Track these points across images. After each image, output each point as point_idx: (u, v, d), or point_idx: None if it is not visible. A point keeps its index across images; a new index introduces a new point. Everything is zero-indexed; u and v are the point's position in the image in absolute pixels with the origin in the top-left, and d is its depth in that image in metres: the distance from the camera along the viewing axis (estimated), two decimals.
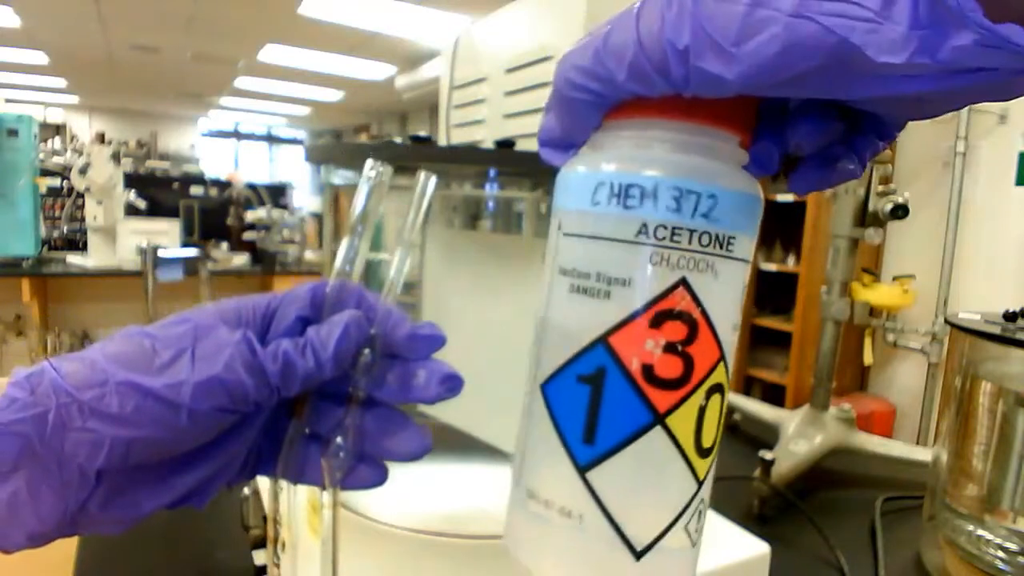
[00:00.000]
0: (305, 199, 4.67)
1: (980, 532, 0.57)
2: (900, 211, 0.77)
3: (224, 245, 3.33)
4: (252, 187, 3.56)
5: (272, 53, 4.83)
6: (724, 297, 0.22)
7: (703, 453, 0.23)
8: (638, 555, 0.22)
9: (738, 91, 0.19)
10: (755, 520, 0.69)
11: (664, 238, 0.21)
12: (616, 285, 0.21)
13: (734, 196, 0.22)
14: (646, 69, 0.19)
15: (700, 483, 0.23)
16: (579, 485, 0.22)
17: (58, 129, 6.64)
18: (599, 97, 0.21)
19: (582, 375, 0.22)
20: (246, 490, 0.53)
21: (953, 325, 0.58)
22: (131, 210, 2.92)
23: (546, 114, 0.24)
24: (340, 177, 0.60)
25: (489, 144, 0.74)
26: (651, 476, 0.22)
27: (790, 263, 2.74)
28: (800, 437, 0.78)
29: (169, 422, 0.23)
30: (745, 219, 0.22)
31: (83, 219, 2.92)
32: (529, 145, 0.61)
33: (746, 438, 0.95)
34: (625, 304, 0.21)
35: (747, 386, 2.89)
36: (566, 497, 0.22)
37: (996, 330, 0.53)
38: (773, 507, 0.69)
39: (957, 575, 0.57)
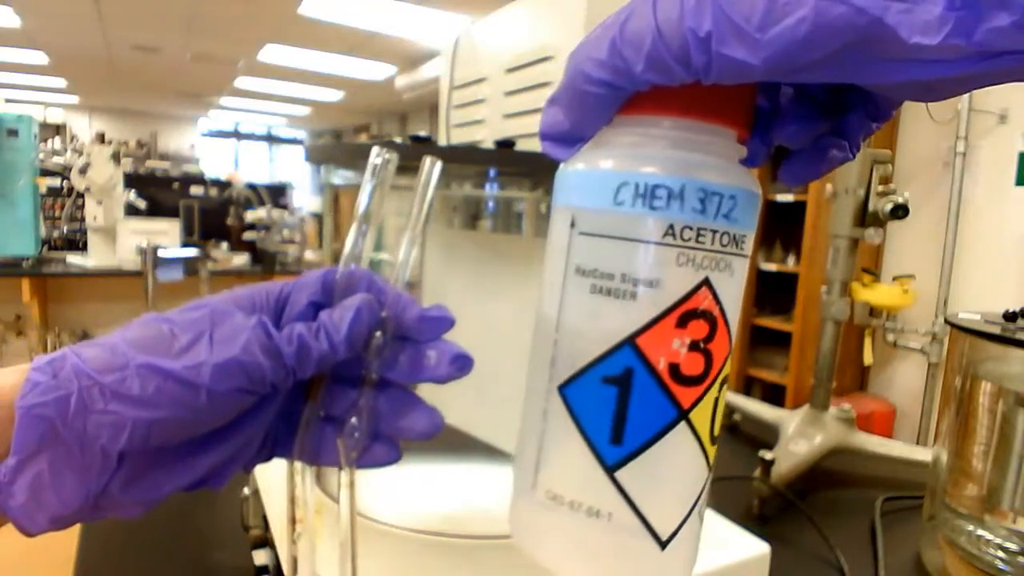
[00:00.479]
0: (305, 199, 4.67)
1: (980, 532, 0.57)
2: (900, 211, 0.77)
3: (224, 245, 3.33)
4: (252, 187, 3.56)
5: (272, 53, 4.83)
6: (735, 293, 0.23)
7: (713, 441, 0.23)
8: (663, 544, 0.23)
9: (762, 77, 0.18)
10: (755, 520, 0.69)
11: (690, 239, 0.21)
12: (642, 286, 0.21)
13: (748, 195, 0.22)
14: (665, 58, 0.19)
15: (710, 470, 0.24)
16: (607, 485, 0.22)
17: (58, 129, 6.63)
18: (615, 90, 0.21)
19: (608, 376, 0.22)
20: (246, 490, 0.53)
21: (953, 325, 0.58)
22: (131, 210, 2.92)
23: (550, 107, 0.23)
24: (340, 177, 0.60)
25: (489, 144, 0.74)
26: (675, 470, 0.23)
27: (790, 263, 2.74)
28: (800, 437, 0.78)
29: (189, 403, 0.24)
30: (753, 217, 0.23)
31: (83, 219, 2.92)
32: (529, 145, 0.61)
33: (746, 438, 0.95)
34: (652, 305, 0.21)
35: (747, 386, 2.89)
36: (593, 498, 0.22)
37: (996, 330, 0.53)
38: (773, 507, 0.69)
39: (957, 575, 0.57)
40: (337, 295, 0.28)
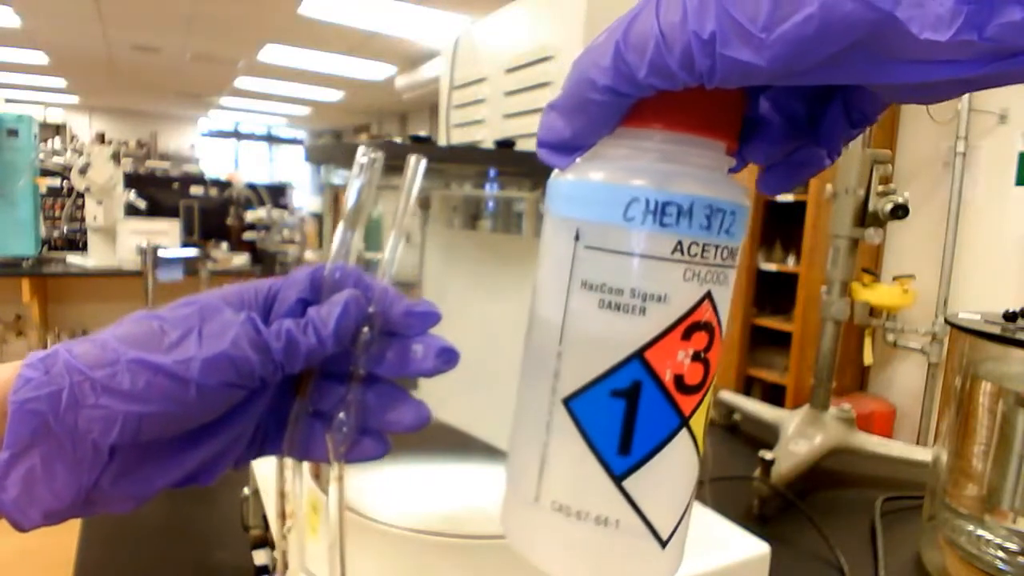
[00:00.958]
0: (305, 199, 4.66)
1: (980, 532, 0.57)
2: (900, 211, 0.77)
3: (224, 245, 3.32)
4: (252, 187, 3.56)
5: (272, 53, 4.83)
6: (728, 302, 0.23)
7: (703, 441, 0.24)
8: (664, 544, 0.23)
9: (767, 79, 0.18)
10: (755, 520, 0.69)
11: (696, 255, 0.22)
12: (651, 301, 0.22)
13: (744, 210, 0.23)
14: (668, 62, 0.18)
15: (700, 468, 0.25)
16: (616, 494, 0.23)
17: (58, 129, 6.63)
18: (620, 97, 0.20)
19: (616, 390, 0.22)
20: (246, 490, 0.53)
21: (953, 325, 0.58)
22: (131, 210, 2.92)
23: (548, 113, 0.23)
24: (340, 177, 0.60)
25: (489, 144, 0.74)
26: (676, 473, 0.24)
27: (790, 263, 2.74)
28: (800, 437, 0.78)
29: (179, 397, 0.24)
30: (745, 229, 0.23)
31: (83, 219, 2.92)
32: (529, 145, 0.61)
33: (746, 438, 0.95)
34: (660, 320, 0.22)
35: (747, 386, 2.89)
36: (601, 507, 0.23)
37: (996, 330, 0.53)
38: (773, 507, 0.69)
39: (957, 575, 0.57)
40: (325, 292, 0.28)
